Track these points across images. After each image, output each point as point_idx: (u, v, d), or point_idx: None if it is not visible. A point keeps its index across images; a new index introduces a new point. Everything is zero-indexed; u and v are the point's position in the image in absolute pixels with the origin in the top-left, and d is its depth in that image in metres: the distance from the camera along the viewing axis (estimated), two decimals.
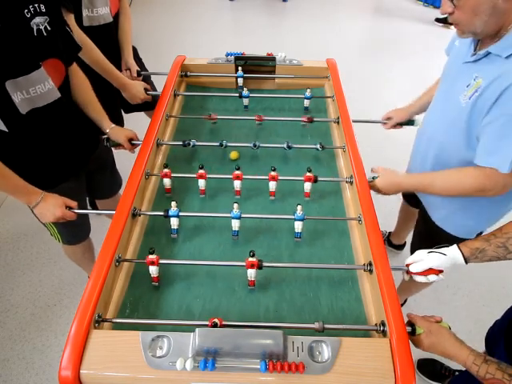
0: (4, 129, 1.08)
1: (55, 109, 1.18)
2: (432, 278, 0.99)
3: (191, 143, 1.39)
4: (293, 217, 1.13)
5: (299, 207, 1.13)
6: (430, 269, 0.98)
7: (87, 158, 1.42)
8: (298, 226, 1.14)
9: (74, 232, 1.55)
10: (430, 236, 1.41)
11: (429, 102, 1.45)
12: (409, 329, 0.90)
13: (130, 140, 1.41)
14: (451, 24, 1.04)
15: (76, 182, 1.41)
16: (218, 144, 1.39)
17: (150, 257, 0.99)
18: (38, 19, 1.06)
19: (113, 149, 1.50)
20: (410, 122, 1.55)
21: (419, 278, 1.00)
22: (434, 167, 1.24)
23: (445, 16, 1.04)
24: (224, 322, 0.88)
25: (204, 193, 1.29)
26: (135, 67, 1.78)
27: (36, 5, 1.06)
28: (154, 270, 1.00)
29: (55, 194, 1.18)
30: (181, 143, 1.40)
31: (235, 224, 1.14)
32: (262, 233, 1.19)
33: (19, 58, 1.03)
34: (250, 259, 0.99)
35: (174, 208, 1.14)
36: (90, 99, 1.35)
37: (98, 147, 1.46)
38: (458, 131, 1.10)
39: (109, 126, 1.39)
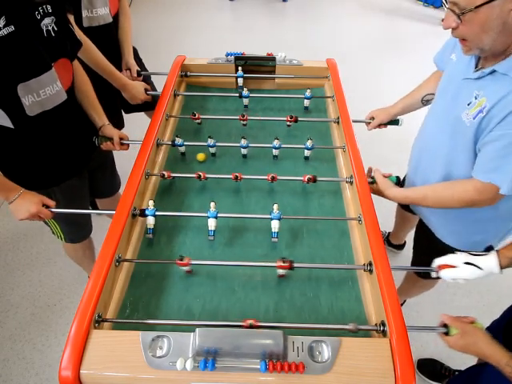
0: (10, 125, 1.08)
1: (62, 110, 1.19)
2: (461, 281, 0.98)
3: (179, 143, 1.38)
4: (269, 216, 1.12)
5: (275, 206, 1.12)
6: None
7: (89, 155, 1.43)
8: (275, 226, 1.12)
9: (76, 231, 1.55)
10: (435, 251, 1.40)
11: (411, 105, 1.47)
12: (443, 329, 0.90)
13: (121, 139, 1.40)
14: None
15: (79, 180, 1.41)
16: (206, 144, 1.39)
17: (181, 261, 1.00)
18: (46, 20, 1.07)
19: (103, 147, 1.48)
20: (395, 122, 1.55)
21: (447, 279, 1.01)
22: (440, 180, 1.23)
23: None
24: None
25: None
26: (135, 67, 1.78)
27: (44, 6, 1.07)
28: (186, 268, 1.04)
29: (34, 192, 1.18)
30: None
31: (211, 223, 1.13)
32: (262, 233, 1.18)
33: (32, 60, 1.03)
34: (282, 264, 1.00)
35: (150, 207, 1.13)
36: (88, 95, 1.36)
37: (97, 146, 1.46)
38: (463, 148, 1.08)
39: (103, 123, 1.39)
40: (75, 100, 1.29)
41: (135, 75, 1.78)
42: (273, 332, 0.82)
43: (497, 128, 0.94)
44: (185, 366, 0.78)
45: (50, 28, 1.08)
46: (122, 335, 0.85)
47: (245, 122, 1.53)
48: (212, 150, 1.43)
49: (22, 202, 1.15)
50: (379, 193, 1.26)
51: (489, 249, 1.29)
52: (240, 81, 1.70)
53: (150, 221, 1.14)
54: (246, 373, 0.81)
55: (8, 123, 1.07)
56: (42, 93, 1.08)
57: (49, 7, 1.08)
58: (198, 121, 1.53)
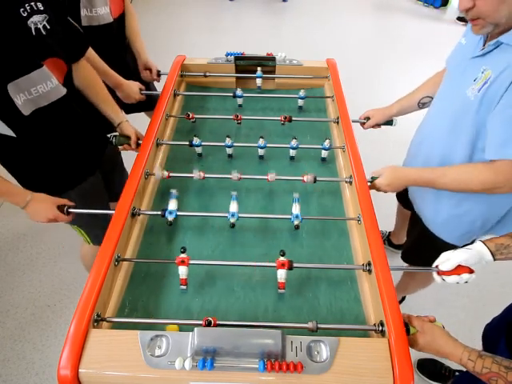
0: (11, 134, 1.06)
1: (60, 107, 1.16)
2: (465, 276, 0.95)
3: (196, 143, 1.38)
4: (289, 216, 1.13)
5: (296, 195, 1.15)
6: (461, 267, 0.96)
7: (100, 155, 1.40)
8: (296, 208, 1.14)
9: (101, 233, 1.52)
10: (426, 246, 1.41)
11: (407, 108, 1.46)
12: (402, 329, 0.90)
13: (138, 138, 1.40)
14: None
15: (94, 181, 1.38)
16: (223, 144, 1.39)
17: (182, 256, 0.98)
18: (35, 18, 1.03)
19: (121, 149, 1.47)
20: (389, 123, 1.55)
21: (452, 279, 0.97)
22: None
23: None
24: (219, 322, 0.88)
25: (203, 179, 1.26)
26: (156, 67, 1.77)
27: (32, 3, 1.03)
28: (183, 272, 0.99)
29: (44, 194, 1.16)
30: (185, 143, 1.39)
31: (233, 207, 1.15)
32: (261, 232, 1.19)
33: (18, 58, 1.01)
34: (281, 259, 0.99)
35: (175, 192, 1.16)
36: (100, 92, 1.34)
37: (108, 146, 1.45)
38: (465, 127, 1.07)
39: (121, 120, 1.38)
40: (76, 96, 1.25)
41: (155, 76, 1.77)
42: (271, 331, 0.82)
43: (504, 96, 0.93)
44: (183, 366, 0.78)
45: (39, 26, 1.04)
46: (120, 334, 0.85)
47: (239, 121, 1.53)
48: (229, 151, 1.43)
49: (36, 207, 1.12)
50: (391, 180, 1.19)
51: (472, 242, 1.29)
52: (258, 81, 1.69)
53: (173, 205, 1.15)
54: (245, 372, 0.81)
55: (7, 130, 1.05)
56: (34, 91, 1.06)
57: (39, 4, 1.04)
58: (192, 120, 1.53)
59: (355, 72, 3.55)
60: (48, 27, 1.07)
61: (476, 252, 0.94)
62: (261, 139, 1.37)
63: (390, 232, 2.18)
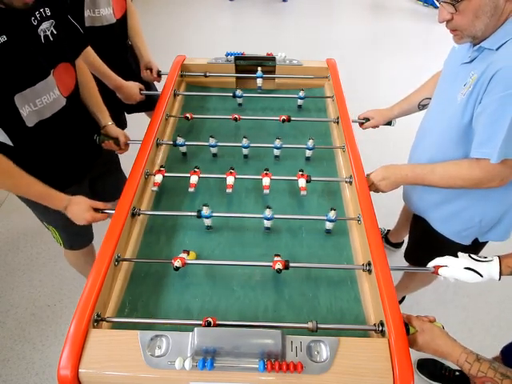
0: (9, 143, 1.06)
1: (61, 117, 1.15)
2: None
3: (180, 143, 1.39)
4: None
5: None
6: None
7: (92, 163, 1.40)
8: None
9: (75, 239, 1.52)
10: (429, 243, 1.42)
11: (408, 110, 1.47)
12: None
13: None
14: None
15: (79, 187, 1.37)
16: (207, 144, 1.39)
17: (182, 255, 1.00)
18: (44, 25, 1.03)
19: (104, 146, 1.47)
20: (388, 123, 1.56)
21: (445, 272, 1.00)
22: None
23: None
24: (218, 322, 0.88)
25: (194, 187, 1.25)
26: (157, 67, 1.78)
27: (41, 10, 1.02)
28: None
29: (80, 197, 1.16)
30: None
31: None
32: (261, 232, 1.19)
33: (28, 69, 0.99)
34: (276, 259, 0.99)
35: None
36: (92, 93, 1.34)
37: (102, 152, 1.45)
38: (454, 130, 1.10)
39: (107, 122, 1.38)
40: (76, 106, 1.25)
41: (156, 75, 1.78)
42: (271, 331, 0.82)
43: (483, 98, 0.96)
44: (183, 366, 0.78)
45: (48, 33, 1.04)
46: (120, 334, 0.85)
47: (238, 122, 1.53)
48: (213, 150, 1.43)
49: (75, 210, 1.14)
50: (384, 174, 1.21)
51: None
52: (259, 81, 1.69)
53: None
54: (245, 372, 0.81)
55: (6, 140, 1.04)
56: (39, 102, 1.05)
57: (47, 10, 1.03)
58: (190, 121, 1.53)
59: (355, 72, 3.55)
60: (55, 32, 1.06)
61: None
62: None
63: (388, 230, 2.18)
